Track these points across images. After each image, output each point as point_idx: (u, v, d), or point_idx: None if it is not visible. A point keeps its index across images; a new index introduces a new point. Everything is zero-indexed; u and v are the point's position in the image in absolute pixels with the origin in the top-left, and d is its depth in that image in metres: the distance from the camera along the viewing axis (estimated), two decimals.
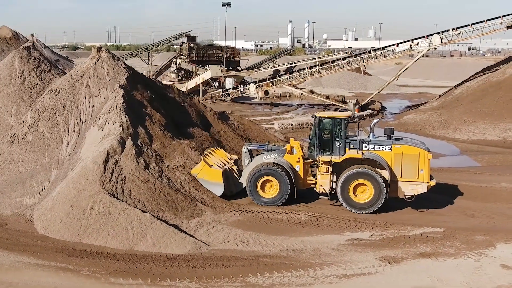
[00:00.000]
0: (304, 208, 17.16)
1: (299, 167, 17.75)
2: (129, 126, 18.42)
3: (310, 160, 17.95)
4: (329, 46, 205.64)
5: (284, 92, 53.50)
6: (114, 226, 14.58)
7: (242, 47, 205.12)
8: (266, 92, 46.50)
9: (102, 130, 18.42)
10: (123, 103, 19.15)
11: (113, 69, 21.45)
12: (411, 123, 35.47)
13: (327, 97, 44.21)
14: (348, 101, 41.88)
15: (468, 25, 37.18)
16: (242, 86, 47.20)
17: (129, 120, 18.59)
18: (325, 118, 17.75)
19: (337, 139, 17.28)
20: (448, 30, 38.34)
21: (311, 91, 45.08)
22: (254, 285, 11.64)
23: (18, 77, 23.67)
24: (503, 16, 36.51)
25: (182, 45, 62.65)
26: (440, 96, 42.35)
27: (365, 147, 16.97)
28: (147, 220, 14.58)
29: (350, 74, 59.41)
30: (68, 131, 19.33)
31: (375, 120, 19.88)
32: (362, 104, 41.45)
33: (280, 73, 47.19)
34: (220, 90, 48.62)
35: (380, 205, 16.45)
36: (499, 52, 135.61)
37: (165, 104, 22.46)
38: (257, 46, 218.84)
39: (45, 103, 20.62)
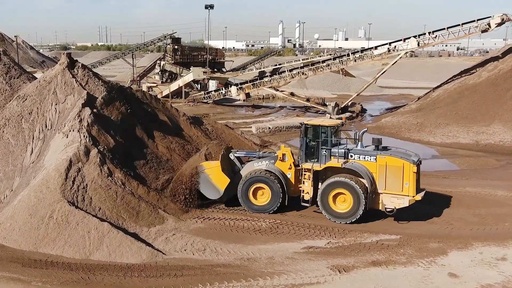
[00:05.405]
0: (266, 215, 17.25)
1: (290, 174, 17.57)
2: (95, 133, 18.40)
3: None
4: (319, 46, 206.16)
5: (267, 94, 53.58)
6: (71, 235, 14.59)
7: (233, 47, 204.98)
8: (248, 95, 46.56)
9: (67, 137, 18.35)
10: (90, 110, 19.13)
11: (82, 76, 21.39)
12: (388, 126, 35.68)
13: (307, 100, 44.43)
14: (328, 103, 42.04)
15: (444, 28, 37.57)
16: (224, 88, 47.24)
17: (95, 127, 18.58)
18: (312, 125, 17.54)
19: (323, 147, 17.13)
20: (425, 34, 38.74)
21: (292, 94, 45.25)
22: None
23: None
24: (478, 20, 36.88)
25: (166, 46, 62.54)
26: (419, 98, 42.67)
27: (351, 156, 16.73)
28: (104, 229, 14.62)
29: (334, 75, 59.57)
30: (33, 138, 19.27)
31: (363, 129, 19.27)
32: (342, 106, 41.62)
33: (266, 75, 47.26)
34: (202, 92, 48.59)
35: (359, 216, 16.06)
36: (487, 52, 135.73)
37: (135, 110, 22.43)
38: (248, 46, 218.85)
39: (12, 110, 20.53)
